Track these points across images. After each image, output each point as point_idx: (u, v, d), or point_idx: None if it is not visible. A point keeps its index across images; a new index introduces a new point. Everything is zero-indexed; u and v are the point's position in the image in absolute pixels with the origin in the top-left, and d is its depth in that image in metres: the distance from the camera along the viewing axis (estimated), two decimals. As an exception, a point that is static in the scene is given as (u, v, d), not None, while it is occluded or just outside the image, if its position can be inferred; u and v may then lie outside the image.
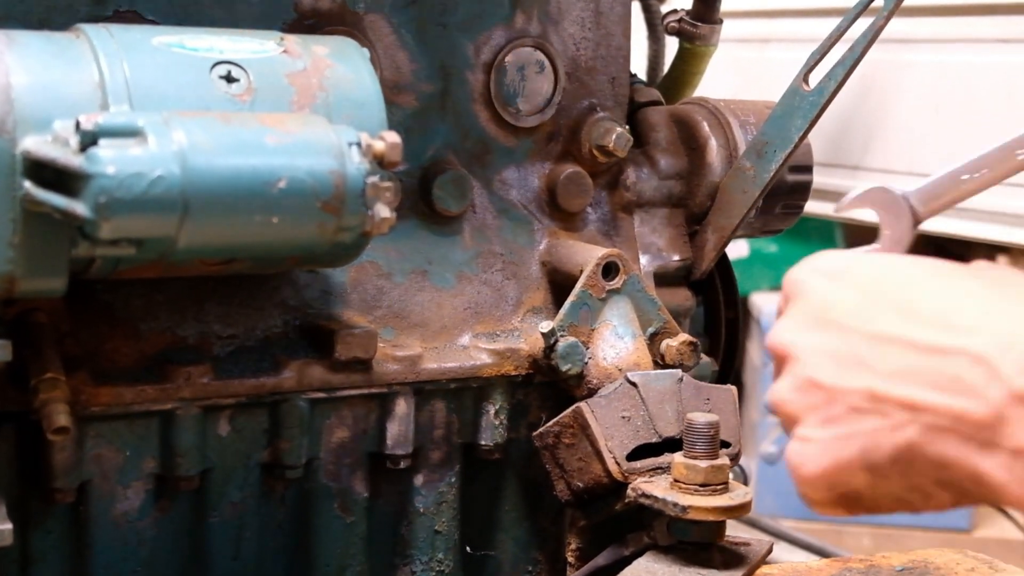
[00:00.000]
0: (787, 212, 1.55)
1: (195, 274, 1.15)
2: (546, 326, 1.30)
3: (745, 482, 1.36)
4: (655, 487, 1.22)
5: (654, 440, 1.26)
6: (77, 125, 0.97)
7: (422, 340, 1.32)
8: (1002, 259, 4.07)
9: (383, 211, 1.06)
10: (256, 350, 1.23)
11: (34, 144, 0.98)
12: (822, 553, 2.78)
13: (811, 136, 1.44)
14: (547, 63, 1.39)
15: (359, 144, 1.06)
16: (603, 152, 1.41)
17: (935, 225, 1.86)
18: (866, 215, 1.13)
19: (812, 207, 1.62)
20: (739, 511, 1.20)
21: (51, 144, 0.98)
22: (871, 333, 0.92)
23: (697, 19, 1.60)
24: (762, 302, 4.06)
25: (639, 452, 1.25)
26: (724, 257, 1.53)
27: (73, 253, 1.01)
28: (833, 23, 1.39)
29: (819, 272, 0.98)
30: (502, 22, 1.37)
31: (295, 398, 1.22)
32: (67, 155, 0.96)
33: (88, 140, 0.96)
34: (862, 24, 1.37)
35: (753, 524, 2.80)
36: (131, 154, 0.96)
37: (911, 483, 0.91)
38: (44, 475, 1.13)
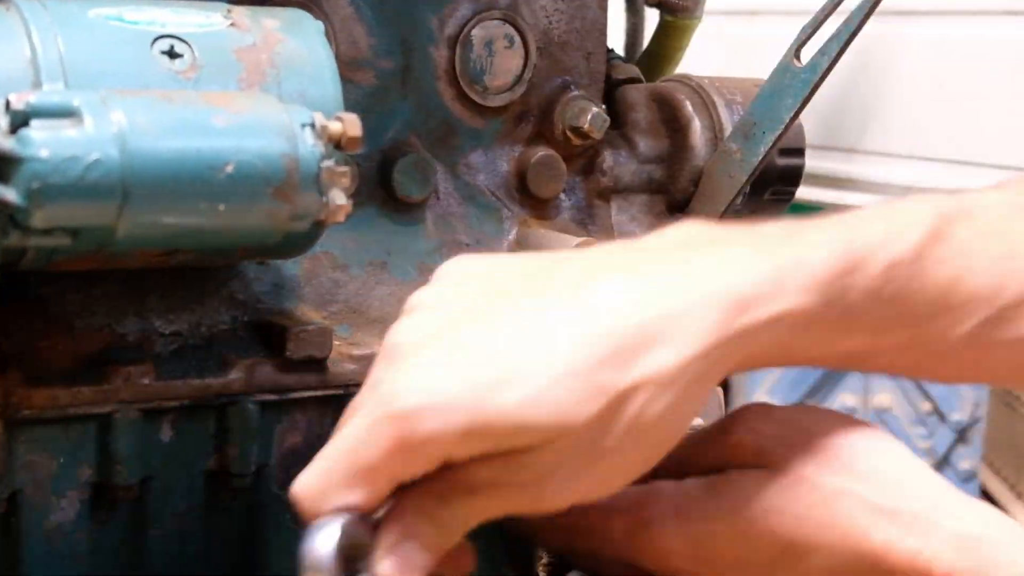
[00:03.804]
0: (777, 199, 1.56)
1: (136, 266, 1.15)
2: None
3: (731, 491, 1.37)
4: (634, 496, 1.22)
5: (633, 445, 1.27)
6: (7, 105, 0.97)
7: (381, 337, 1.31)
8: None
9: (339, 198, 1.07)
10: (201, 348, 1.23)
11: (-40, 126, 0.99)
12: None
13: (803, 116, 1.45)
14: (517, 37, 1.40)
15: (313, 125, 1.06)
16: (577, 134, 1.42)
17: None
18: None
19: (804, 193, 1.63)
20: (724, 522, 1.21)
21: (-22, 126, 0.98)
22: None
23: (680, -11, 1.61)
24: (751, 296, 4.08)
25: (617, 458, 1.26)
26: (709, 247, 1.54)
27: (3, 243, 1.01)
28: (827, -6, 1.40)
29: None
30: (468, -7, 1.38)
31: (244, 400, 1.22)
32: (-4, 137, 0.97)
33: (19, 121, 0.96)
34: (858, -5, 1.38)
35: (741, 537, 2.81)
36: (66, 136, 0.97)
37: None
38: (-30, 484, 1.13)
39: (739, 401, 4.22)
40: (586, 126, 1.41)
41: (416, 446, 0.96)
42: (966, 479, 4.05)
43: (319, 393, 1.27)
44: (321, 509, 1.00)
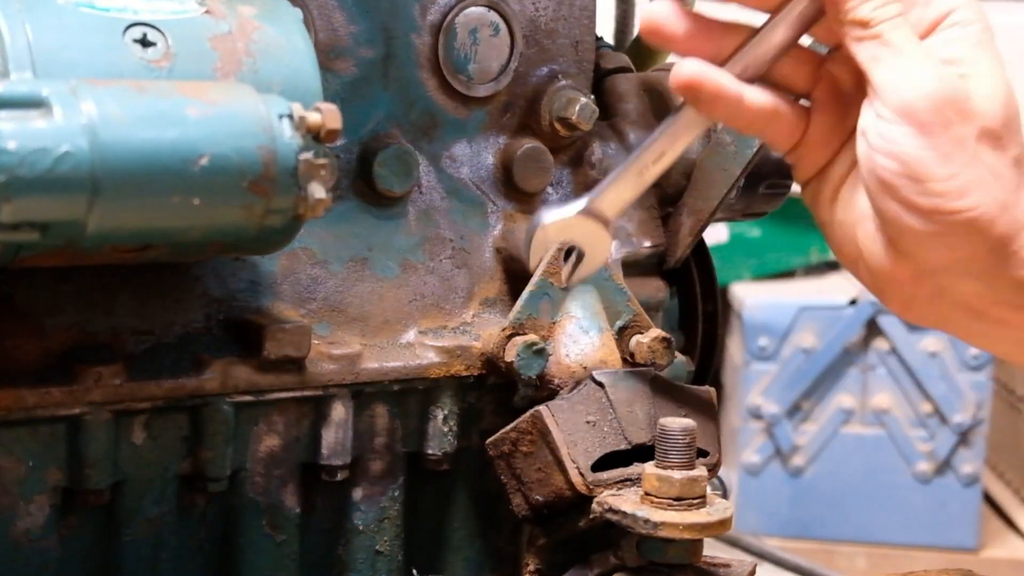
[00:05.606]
0: (771, 193, 1.56)
1: (107, 263, 1.15)
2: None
3: (725, 496, 1.37)
4: (623, 501, 1.22)
5: (623, 447, 1.27)
6: (-27, 95, 0.97)
7: (361, 336, 1.33)
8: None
9: (318, 191, 1.07)
10: (175, 348, 1.23)
11: (-76, 117, 0.99)
12: (811, 575, 2.80)
13: (799, 108, 1.45)
14: (502, 25, 1.40)
15: (291, 116, 1.07)
16: (565, 125, 1.42)
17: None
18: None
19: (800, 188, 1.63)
20: (718, 528, 1.21)
21: (-57, 116, 0.98)
22: None
23: (670, -25, 1.61)
24: (744, 293, 4.08)
25: (606, 461, 1.26)
26: (701, 243, 1.54)
27: (-31, 239, 1.01)
28: (823, -19, 1.40)
29: None
30: (452, -22, 1.38)
31: (218, 402, 1.22)
32: (-39, 129, 0.97)
33: (-15, 112, 0.97)
34: (856, -18, 1.38)
35: (734, 543, 2.83)
36: (34, 127, 0.97)
37: None
38: (-64, 489, 1.14)
39: (732, 405, 4.22)
40: (574, 117, 1.41)
41: None
42: (968, 483, 4.05)
43: (297, 394, 1.27)
44: None
